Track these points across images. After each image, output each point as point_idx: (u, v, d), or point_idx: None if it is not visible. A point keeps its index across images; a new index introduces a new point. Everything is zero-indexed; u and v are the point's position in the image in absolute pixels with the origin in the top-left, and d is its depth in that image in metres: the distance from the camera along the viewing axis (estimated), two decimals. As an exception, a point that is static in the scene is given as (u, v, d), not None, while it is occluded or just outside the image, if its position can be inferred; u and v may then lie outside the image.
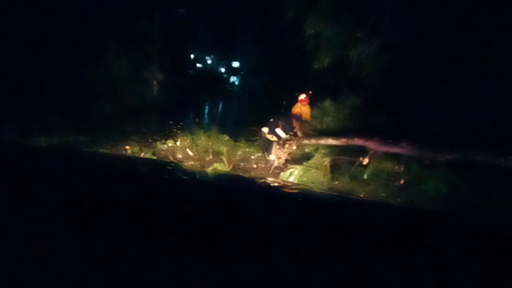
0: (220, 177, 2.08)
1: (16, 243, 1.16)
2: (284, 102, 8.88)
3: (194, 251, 1.21)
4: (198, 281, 1.11)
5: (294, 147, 7.40)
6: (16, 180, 1.45)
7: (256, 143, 8.18)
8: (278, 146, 7.55)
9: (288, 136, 7.47)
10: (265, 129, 7.72)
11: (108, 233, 1.24)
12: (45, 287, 1.06)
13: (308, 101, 8.14)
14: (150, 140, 8.58)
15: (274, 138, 7.57)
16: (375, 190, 5.82)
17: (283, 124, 7.52)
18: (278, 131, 7.49)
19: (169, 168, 2.15)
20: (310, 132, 7.73)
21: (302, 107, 8.12)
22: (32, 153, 2.14)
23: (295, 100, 8.29)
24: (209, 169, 5.99)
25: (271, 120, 7.67)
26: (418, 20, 7.16)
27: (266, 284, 1.13)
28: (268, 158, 7.68)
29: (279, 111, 8.13)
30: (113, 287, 1.08)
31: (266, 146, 7.78)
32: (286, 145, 7.42)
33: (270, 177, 6.33)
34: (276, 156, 7.54)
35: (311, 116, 8.25)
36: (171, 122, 9.86)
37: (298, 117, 7.82)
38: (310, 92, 8.12)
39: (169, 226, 1.31)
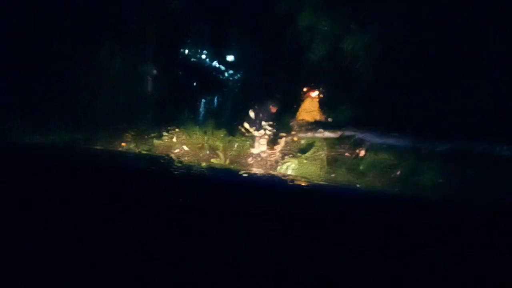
0: (216, 171, 2.08)
1: (16, 239, 1.15)
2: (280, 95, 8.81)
3: (193, 243, 1.21)
4: (197, 272, 1.10)
5: (295, 138, 7.39)
6: (15, 178, 1.44)
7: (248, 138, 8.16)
8: (261, 139, 7.60)
9: (265, 126, 7.53)
10: (246, 124, 7.76)
11: (106, 226, 1.24)
12: (45, 282, 1.05)
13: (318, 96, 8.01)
14: (146, 137, 8.54)
15: (256, 132, 7.61)
16: (372, 181, 5.84)
17: (261, 115, 7.57)
18: (255, 117, 7.57)
19: (164, 162, 2.14)
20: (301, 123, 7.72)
21: (311, 101, 7.99)
22: (29, 151, 2.13)
23: (292, 94, 8.22)
24: (204, 164, 5.98)
25: (251, 113, 7.70)
26: (413, 10, 7.14)
27: (265, 273, 1.12)
28: (252, 151, 7.71)
29: (273, 104, 8.04)
30: (112, 278, 1.07)
31: (251, 139, 7.83)
32: (280, 139, 7.43)
33: (267, 171, 6.34)
34: (261, 149, 7.59)
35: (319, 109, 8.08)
36: (166, 118, 9.81)
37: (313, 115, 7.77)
38: (313, 85, 8.02)
39: (168, 218, 1.31)
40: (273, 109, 7.81)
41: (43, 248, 1.15)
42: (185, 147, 7.70)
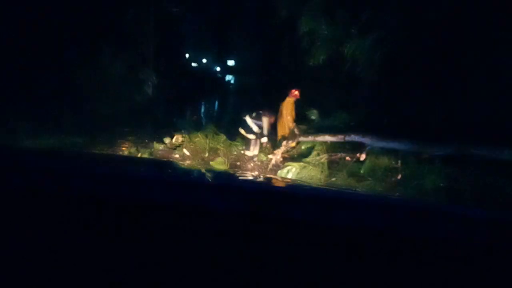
0: (216, 175, 2.08)
1: (15, 245, 1.16)
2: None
3: (192, 250, 1.21)
4: (196, 279, 1.11)
5: (293, 145, 7.40)
6: (14, 183, 1.45)
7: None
8: (256, 142, 7.63)
9: (260, 130, 7.54)
10: (241, 129, 7.77)
11: (106, 230, 1.24)
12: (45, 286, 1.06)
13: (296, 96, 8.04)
14: (146, 141, 8.57)
15: (251, 136, 7.63)
16: (372, 185, 5.84)
17: (262, 120, 7.58)
18: (250, 122, 7.57)
19: (166, 167, 2.15)
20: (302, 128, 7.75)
21: (293, 103, 8.01)
22: (29, 155, 2.13)
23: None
24: (205, 168, 5.99)
25: (252, 118, 7.70)
26: (412, 14, 7.17)
27: (262, 277, 1.13)
28: (246, 154, 7.72)
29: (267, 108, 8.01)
30: (111, 285, 1.08)
31: (245, 143, 7.85)
32: (281, 143, 7.43)
33: (267, 175, 6.34)
34: (254, 152, 7.64)
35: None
36: (167, 122, 9.84)
37: (272, 114, 7.80)
38: (297, 89, 8.03)
39: (168, 222, 1.31)
40: (274, 114, 7.84)
41: (43, 253, 1.15)
42: (185, 151, 7.71)
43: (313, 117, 8.29)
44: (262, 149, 7.89)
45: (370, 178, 6.03)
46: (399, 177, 5.98)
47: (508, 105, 6.00)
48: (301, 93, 7.97)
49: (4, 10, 9.59)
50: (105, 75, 12.65)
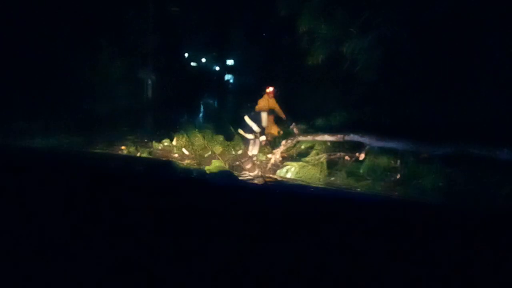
0: (215, 175, 2.08)
1: (14, 244, 1.15)
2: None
3: (191, 249, 1.21)
4: (195, 278, 1.10)
5: (294, 142, 7.38)
6: (14, 182, 1.44)
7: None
8: (255, 142, 7.60)
9: (260, 129, 7.50)
10: (240, 130, 7.75)
11: (106, 233, 1.24)
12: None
13: (273, 93, 7.99)
14: (146, 140, 8.58)
15: (250, 136, 7.60)
16: (372, 185, 5.83)
17: (261, 119, 7.54)
18: (250, 122, 7.52)
19: (165, 166, 2.14)
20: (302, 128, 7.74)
21: (269, 99, 7.97)
22: (28, 154, 2.13)
23: (291, 98, 8.24)
24: (204, 168, 5.98)
25: (251, 117, 7.66)
26: (412, 13, 7.16)
27: (261, 280, 1.12)
28: (248, 154, 7.71)
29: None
30: (112, 286, 1.07)
31: (244, 143, 7.83)
32: (280, 143, 7.42)
33: (266, 174, 6.34)
34: (253, 152, 7.62)
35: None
36: (166, 121, 9.85)
37: (267, 109, 7.74)
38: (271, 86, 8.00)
39: (166, 224, 1.31)
40: (247, 112, 7.79)
41: (42, 255, 1.15)
42: (184, 151, 7.71)
43: (312, 116, 8.26)
44: (261, 148, 7.88)
45: (369, 178, 6.03)
46: (398, 176, 5.99)
47: (508, 105, 6.01)
48: (275, 90, 7.92)
49: (3, 10, 9.58)
50: (105, 75, 12.65)
